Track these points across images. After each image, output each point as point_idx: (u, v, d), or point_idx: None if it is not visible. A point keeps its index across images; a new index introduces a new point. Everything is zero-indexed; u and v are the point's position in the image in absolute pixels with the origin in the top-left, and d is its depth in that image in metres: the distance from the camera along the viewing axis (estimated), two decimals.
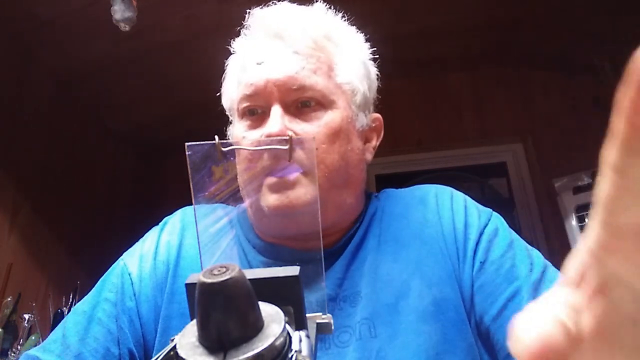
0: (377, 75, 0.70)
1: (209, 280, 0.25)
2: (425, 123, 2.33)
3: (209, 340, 0.25)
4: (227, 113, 0.70)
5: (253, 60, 0.62)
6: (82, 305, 0.64)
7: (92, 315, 0.61)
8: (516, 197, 2.29)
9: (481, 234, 0.62)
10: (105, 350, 0.58)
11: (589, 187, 1.86)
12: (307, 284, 0.59)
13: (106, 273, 0.67)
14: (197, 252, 0.61)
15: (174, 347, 0.26)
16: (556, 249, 2.00)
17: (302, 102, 0.60)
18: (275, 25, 0.63)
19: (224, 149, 0.46)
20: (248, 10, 0.66)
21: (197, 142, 0.42)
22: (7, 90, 1.55)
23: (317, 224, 0.60)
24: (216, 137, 0.47)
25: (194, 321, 0.26)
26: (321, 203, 0.57)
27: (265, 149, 0.57)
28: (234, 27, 0.68)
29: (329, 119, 0.61)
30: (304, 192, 0.58)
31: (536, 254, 0.62)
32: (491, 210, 0.68)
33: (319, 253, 0.62)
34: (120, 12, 1.13)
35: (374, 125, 0.70)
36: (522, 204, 2.27)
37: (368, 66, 0.68)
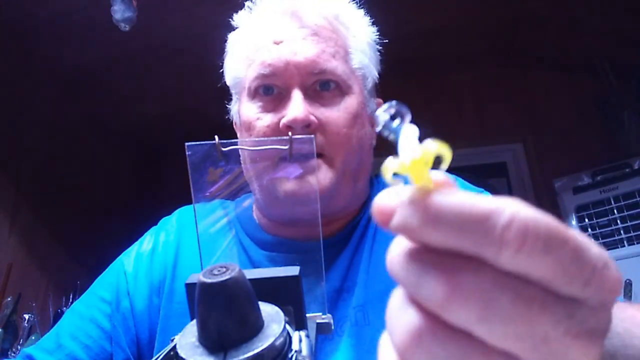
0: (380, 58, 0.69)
1: (209, 280, 0.24)
2: (425, 123, 2.32)
3: (209, 340, 0.25)
4: (231, 91, 0.68)
5: (269, 38, 0.60)
6: (78, 304, 0.64)
7: (86, 313, 0.61)
8: (516, 197, 2.29)
9: None
10: (99, 348, 0.58)
11: (589, 187, 1.86)
12: (312, 275, 0.58)
13: (103, 272, 0.67)
14: (196, 252, 0.61)
15: (174, 347, 0.26)
16: None
17: (321, 83, 0.59)
18: (289, 3, 0.62)
19: (223, 149, 0.46)
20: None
21: (197, 142, 0.42)
22: (7, 90, 1.55)
23: (331, 207, 0.60)
24: (216, 137, 0.47)
25: (194, 321, 0.26)
26: (336, 187, 0.58)
27: (267, 149, 0.56)
28: (233, 27, 0.68)
29: (348, 104, 0.60)
30: (322, 177, 0.57)
31: None
32: (482, 190, 0.68)
33: (319, 242, 0.61)
34: (120, 12, 1.13)
35: None
36: None
37: (375, 50, 0.67)
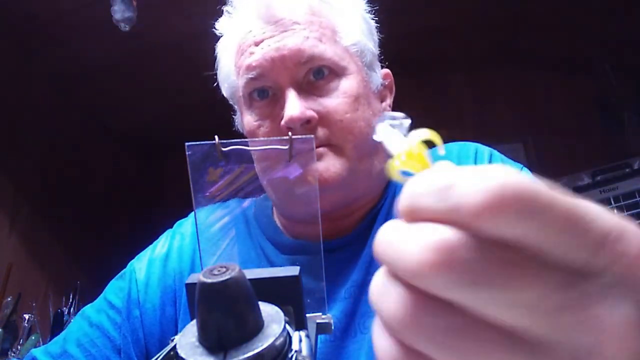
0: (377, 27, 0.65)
1: (209, 280, 0.24)
2: (425, 123, 2.32)
3: (209, 340, 0.25)
4: (230, 102, 0.66)
5: (250, 39, 0.57)
6: (90, 307, 0.62)
7: (95, 319, 0.60)
8: None
9: None
10: (103, 358, 0.57)
11: (589, 187, 1.86)
12: (336, 275, 0.57)
13: (116, 277, 0.65)
14: (212, 256, 0.60)
15: (174, 347, 0.26)
16: None
17: (314, 72, 0.56)
18: (261, 0, 0.58)
19: (224, 149, 0.46)
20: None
21: (197, 142, 0.42)
22: (6, 90, 1.55)
23: (351, 194, 0.58)
24: (216, 137, 0.47)
25: (194, 321, 0.26)
26: (353, 174, 0.56)
27: (267, 149, 0.56)
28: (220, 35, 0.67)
29: (346, 86, 0.57)
30: (332, 163, 0.55)
31: None
32: (522, 166, 0.65)
33: (343, 239, 0.59)
34: (120, 12, 1.13)
35: (386, 82, 0.67)
36: None
37: (368, 20, 0.63)
